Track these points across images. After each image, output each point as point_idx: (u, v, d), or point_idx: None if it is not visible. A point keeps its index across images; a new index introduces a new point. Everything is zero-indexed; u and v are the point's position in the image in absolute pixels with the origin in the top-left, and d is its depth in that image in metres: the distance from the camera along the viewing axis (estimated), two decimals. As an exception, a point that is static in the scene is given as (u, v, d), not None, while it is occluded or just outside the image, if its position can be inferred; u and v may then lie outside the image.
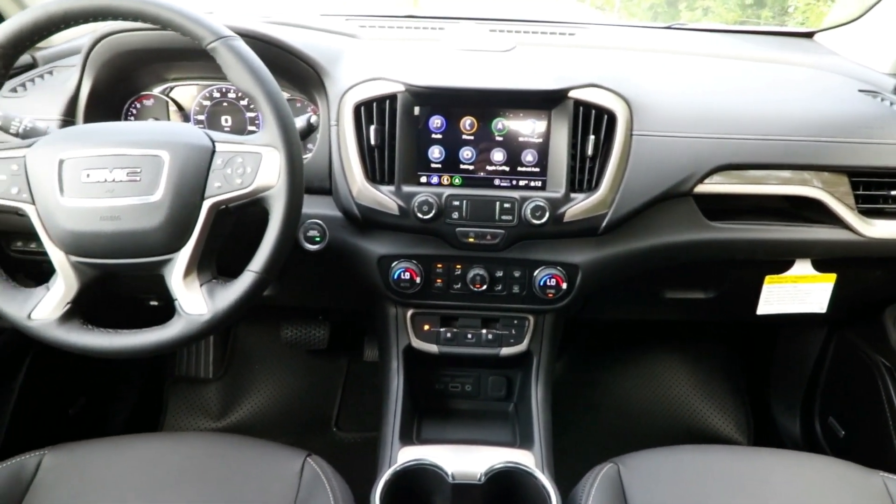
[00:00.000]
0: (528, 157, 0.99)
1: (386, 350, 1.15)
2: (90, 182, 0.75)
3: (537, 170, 0.99)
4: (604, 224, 0.98)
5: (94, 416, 1.57)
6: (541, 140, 0.98)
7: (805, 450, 1.00)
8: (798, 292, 1.16)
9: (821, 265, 1.14)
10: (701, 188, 1.01)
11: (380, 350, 1.25)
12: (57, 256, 0.78)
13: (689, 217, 1.04)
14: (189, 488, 0.89)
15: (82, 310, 0.80)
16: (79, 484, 0.89)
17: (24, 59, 1.10)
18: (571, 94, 0.95)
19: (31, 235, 0.99)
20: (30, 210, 0.77)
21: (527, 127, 0.98)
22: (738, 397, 1.76)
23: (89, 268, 0.78)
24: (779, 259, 1.14)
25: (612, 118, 0.96)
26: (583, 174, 0.98)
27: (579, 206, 0.97)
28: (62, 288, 0.79)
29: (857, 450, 1.38)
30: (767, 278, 1.15)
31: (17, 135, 0.86)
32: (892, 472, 0.93)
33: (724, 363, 1.80)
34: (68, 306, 0.79)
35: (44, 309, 0.78)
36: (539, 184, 0.99)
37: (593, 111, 0.96)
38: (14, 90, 1.04)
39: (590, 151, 0.96)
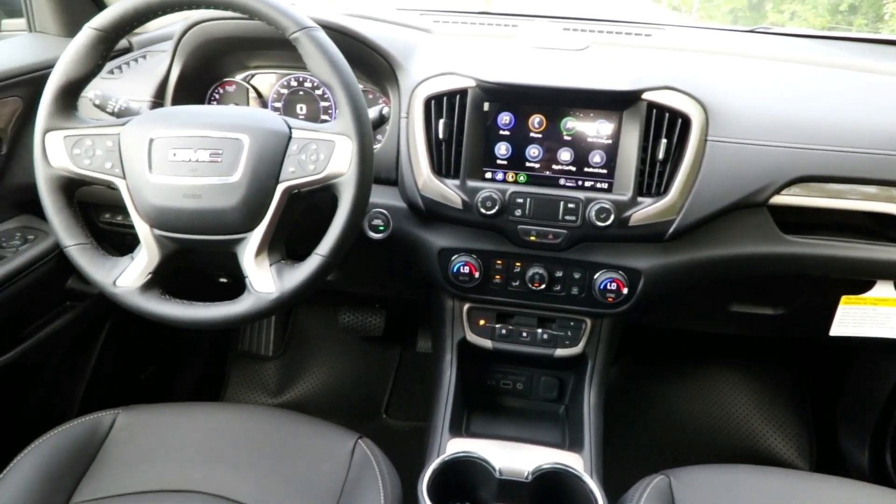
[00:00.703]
0: (596, 157, 0.97)
1: (440, 342, 1.17)
2: (176, 161, 0.80)
3: (604, 171, 0.97)
4: (671, 230, 0.96)
5: (163, 383, 1.67)
6: (610, 141, 0.96)
7: (872, 483, 0.94)
8: (877, 315, 1.09)
9: (905, 288, 1.07)
10: (777, 199, 0.97)
11: (434, 341, 1.27)
12: (142, 229, 0.83)
13: (763, 229, 1.00)
14: (246, 457, 0.93)
15: (161, 281, 0.85)
16: (147, 442, 0.95)
17: (122, 43, 1.17)
18: (645, 95, 0.93)
19: (119, 208, 1.06)
20: (121, 184, 0.82)
21: (596, 127, 0.96)
22: (803, 421, 1.67)
23: (170, 241, 0.83)
24: (858, 279, 1.07)
25: (686, 122, 0.94)
26: (651, 178, 0.95)
27: (646, 210, 0.95)
28: (145, 259, 0.83)
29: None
30: (844, 298, 1.09)
31: (112, 113, 0.92)
32: None
33: (789, 384, 1.72)
34: (149, 276, 0.84)
35: (128, 277, 0.83)
36: (605, 186, 0.98)
37: (667, 114, 0.94)
38: (111, 72, 1.12)
39: (661, 155, 0.94)
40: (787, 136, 0.96)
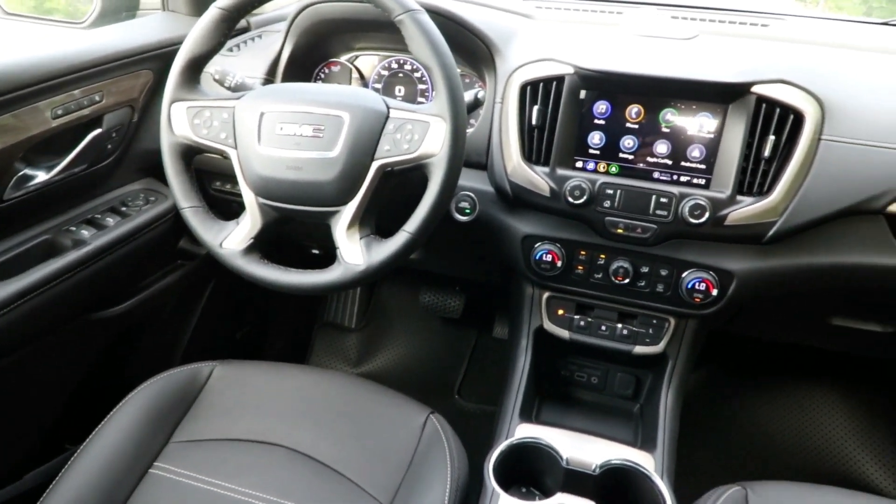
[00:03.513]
0: (695, 152, 0.94)
1: (517, 328, 1.17)
2: (282, 134, 0.85)
3: (703, 167, 0.93)
4: (771, 233, 0.91)
5: (255, 343, 1.79)
6: (711, 136, 0.92)
7: None
8: None
9: None
10: None
11: (511, 327, 1.27)
12: (248, 197, 0.89)
13: (877, 238, 0.92)
14: (326, 418, 0.98)
15: (261, 246, 0.91)
16: (239, 394, 1.02)
17: (241, 23, 1.26)
18: (755, 88, 0.88)
19: (229, 177, 1.14)
20: (232, 154, 0.88)
21: (698, 121, 0.92)
22: None
23: (272, 210, 0.88)
24: None
25: (798, 118, 0.88)
26: (754, 177, 0.91)
27: (745, 210, 0.90)
28: (248, 224, 0.90)
29: None
30: (966, 321, 0.99)
31: (230, 88, 0.99)
32: None
33: (891, 410, 1.58)
34: (251, 241, 0.90)
35: (232, 240, 0.90)
36: (702, 182, 0.94)
37: (777, 109, 0.88)
38: (230, 50, 1.20)
39: (767, 153, 0.89)
40: None
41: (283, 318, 1.87)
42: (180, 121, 0.89)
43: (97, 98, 1.07)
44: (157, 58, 1.17)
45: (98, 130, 1.10)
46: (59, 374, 1.18)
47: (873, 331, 1.11)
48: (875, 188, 0.88)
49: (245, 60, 1.17)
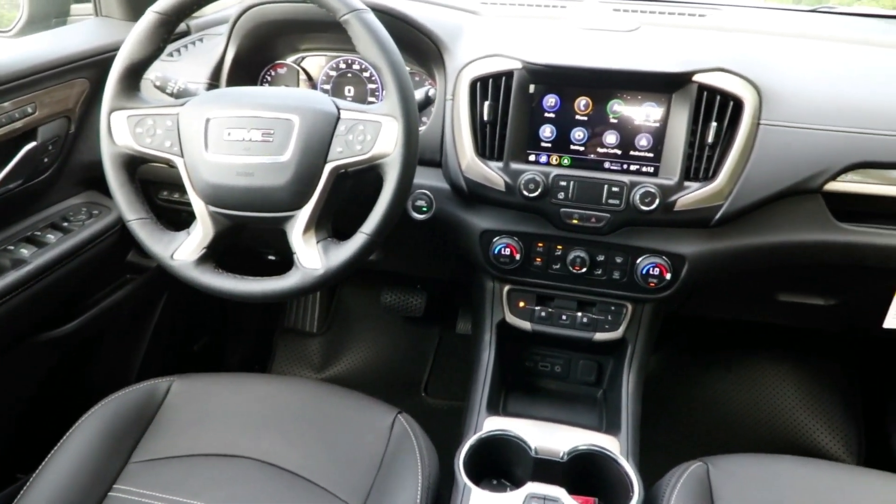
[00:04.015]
0: (643, 141, 0.96)
1: (480, 322, 1.18)
2: (231, 140, 0.83)
3: (651, 155, 0.96)
4: (718, 216, 0.94)
5: (214, 355, 1.75)
6: (657, 125, 0.95)
7: None
8: (936, 308, 1.05)
9: (968, 281, 1.02)
10: (832, 186, 0.93)
11: (473, 322, 1.28)
12: (198, 206, 0.86)
13: (816, 216, 0.97)
14: (292, 426, 0.97)
15: (215, 256, 0.89)
16: (200, 408, 1.00)
17: (180, 27, 1.22)
18: (696, 77, 0.91)
19: (176, 186, 1.11)
20: (179, 162, 0.86)
21: (644, 111, 0.95)
22: (851, 416, 1.62)
23: (224, 218, 0.86)
24: (917, 270, 1.03)
25: (738, 105, 0.91)
26: (699, 162, 0.94)
27: (693, 195, 0.93)
28: (200, 234, 0.87)
29: None
30: (901, 290, 1.05)
31: (172, 94, 0.96)
32: None
33: (838, 377, 1.66)
34: (204, 251, 0.87)
35: (184, 251, 0.87)
36: (651, 170, 0.96)
37: (718, 97, 0.92)
38: (171, 55, 1.16)
39: (710, 139, 0.92)
40: (846, 121, 0.93)
41: (243, 327, 1.83)
42: (121, 130, 0.86)
43: (30, 110, 1.02)
44: (93, 65, 1.13)
45: (33, 143, 1.05)
46: (6, 400, 1.12)
47: (817, 304, 1.16)
48: (812, 168, 0.93)
49: (187, 65, 1.14)
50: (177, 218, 1.23)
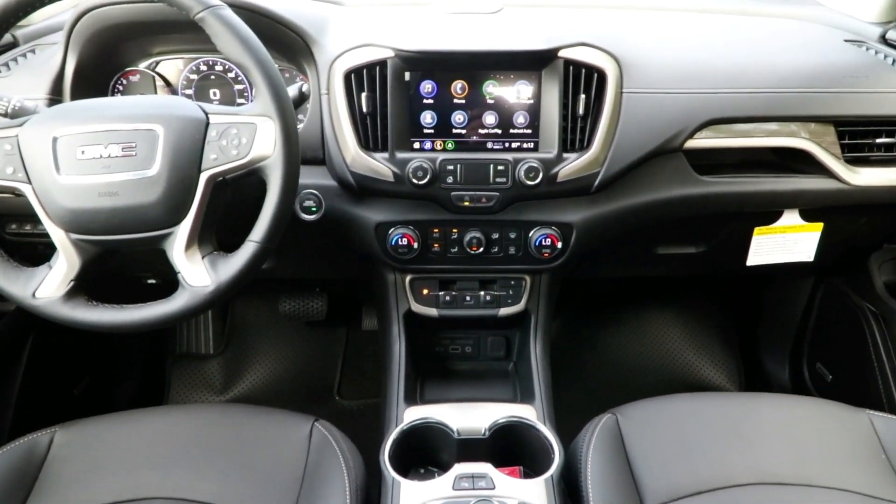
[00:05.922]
0: (520, 118, 0.99)
1: (386, 316, 1.17)
2: (85, 159, 0.75)
3: (529, 131, 0.99)
4: (596, 182, 1.00)
5: (99, 395, 1.59)
6: (532, 101, 0.98)
7: (794, 394, 1.05)
8: (786, 242, 1.19)
9: (808, 215, 1.17)
10: (691, 143, 1.02)
11: (380, 316, 1.27)
12: (57, 235, 0.78)
13: (681, 173, 1.05)
14: (201, 457, 0.91)
15: (86, 287, 0.81)
16: (92, 457, 0.91)
17: (5, 38, 1.08)
18: (561, 53, 0.95)
19: (26, 217, 0.99)
20: (27, 189, 0.77)
21: (517, 89, 0.98)
22: (729, 348, 1.81)
23: (90, 245, 0.79)
24: (768, 210, 1.16)
25: (602, 77, 0.97)
26: (574, 134, 0.98)
27: (572, 165, 0.98)
28: (64, 266, 0.79)
29: (844, 392, 1.43)
30: (756, 230, 1.18)
31: (6, 115, 0.85)
32: (877, 410, 0.97)
33: (715, 316, 1.84)
34: (72, 284, 0.79)
35: (48, 287, 0.79)
36: (531, 145, 1.00)
37: (583, 70, 0.96)
38: (-2, 70, 1.03)
39: (581, 111, 0.97)
40: (695, 83, 1.02)
41: (129, 360, 1.68)
42: None
43: None
44: None
45: None
46: None
47: (690, 253, 1.28)
48: (672, 129, 1.01)
49: (20, 81, 1.01)
50: (32, 252, 1.10)
